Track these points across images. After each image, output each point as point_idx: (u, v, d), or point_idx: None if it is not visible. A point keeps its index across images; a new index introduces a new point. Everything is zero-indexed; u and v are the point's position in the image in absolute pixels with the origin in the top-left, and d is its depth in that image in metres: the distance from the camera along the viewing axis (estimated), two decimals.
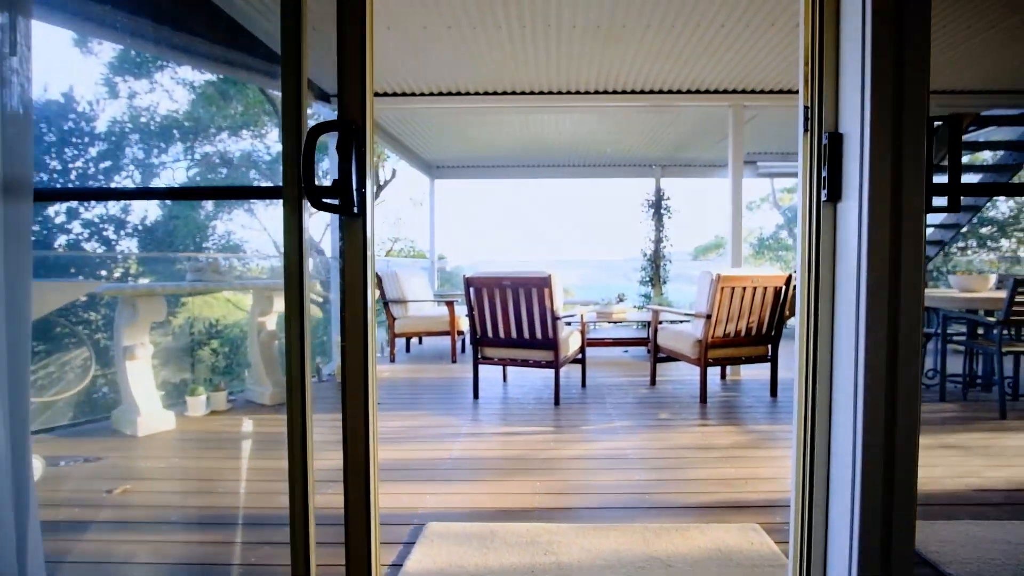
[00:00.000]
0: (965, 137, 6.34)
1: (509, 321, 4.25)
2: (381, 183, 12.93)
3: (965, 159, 9.16)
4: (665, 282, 9.28)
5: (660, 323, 4.85)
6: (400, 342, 7.16)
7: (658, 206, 9.17)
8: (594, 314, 6.25)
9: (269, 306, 4.52)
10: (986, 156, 10.49)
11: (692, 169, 9.21)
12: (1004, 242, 12.19)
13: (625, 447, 3.21)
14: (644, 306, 9.00)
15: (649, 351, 6.06)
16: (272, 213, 15.31)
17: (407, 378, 5.34)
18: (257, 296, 4.58)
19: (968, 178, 7.65)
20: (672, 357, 4.60)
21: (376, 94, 5.29)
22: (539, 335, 4.20)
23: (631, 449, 3.17)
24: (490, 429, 3.62)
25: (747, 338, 4.30)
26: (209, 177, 12.34)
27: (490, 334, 4.37)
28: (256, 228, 13.08)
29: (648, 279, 9.39)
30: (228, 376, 7.42)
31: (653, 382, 4.82)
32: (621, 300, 6.31)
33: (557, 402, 4.21)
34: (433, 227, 9.41)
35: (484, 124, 6.73)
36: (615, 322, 5.92)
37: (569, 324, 4.75)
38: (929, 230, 7.66)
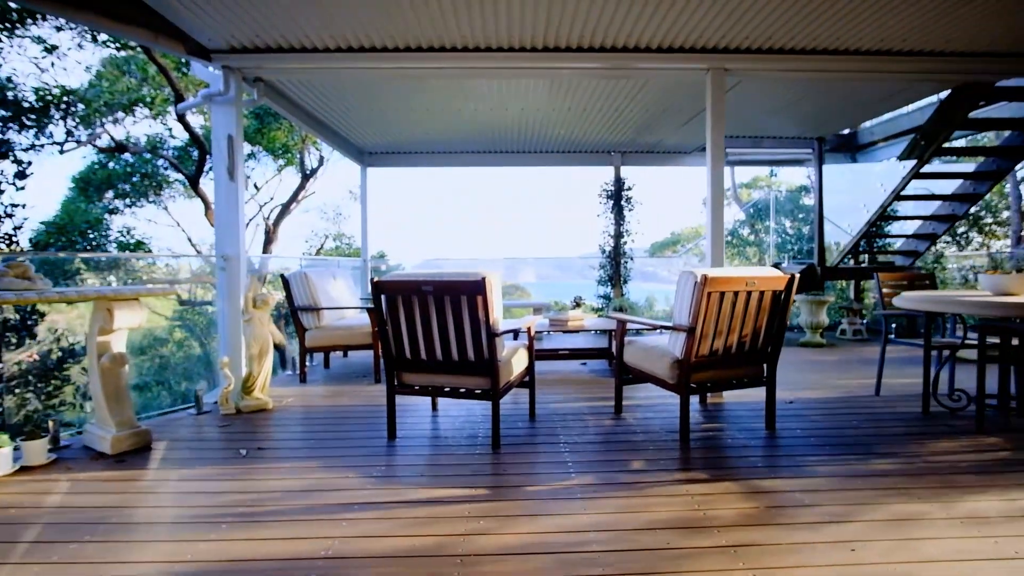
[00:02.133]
0: (974, 114, 5.68)
1: (433, 338, 3.20)
2: (307, 171, 11.56)
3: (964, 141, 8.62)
4: (626, 281, 8.41)
5: (626, 333, 3.90)
6: (319, 357, 5.99)
7: (618, 197, 8.29)
8: (546, 321, 5.27)
9: (112, 321, 3.31)
10: (990, 136, 10.03)
11: (655, 156, 8.37)
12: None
13: (587, 526, 2.22)
14: (605, 310, 8.10)
15: (612, 368, 5.14)
16: (189, 207, 13.62)
17: (312, 407, 4.20)
18: (99, 307, 3.36)
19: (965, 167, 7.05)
20: (639, 375, 3.66)
21: (270, 49, 4.15)
22: (471, 356, 3.16)
23: (595, 531, 2.18)
24: (397, 495, 2.56)
25: (739, 355, 3.39)
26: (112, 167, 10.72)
27: (408, 355, 3.30)
28: (166, 223, 11.48)
29: (607, 278, 8.50)
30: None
31: (619, 409, 3.87)
32: (578, 305, 5.35)
33: (496, 445, 3.19)
34: (365, 222, 8.25)
35: (418, 100, 5.64)
36: (571, 331, 4.96)
37: (516, 337, 3.73)
38: (916, 223, 7.05)
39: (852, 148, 8.14)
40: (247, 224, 12.00)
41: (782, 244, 13.10)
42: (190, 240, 11.64)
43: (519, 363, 3.53)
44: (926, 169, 5.88)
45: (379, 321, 3.26)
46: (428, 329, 3.17)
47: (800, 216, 12.84)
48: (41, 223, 9.67)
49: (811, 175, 10.45)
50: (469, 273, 3.04)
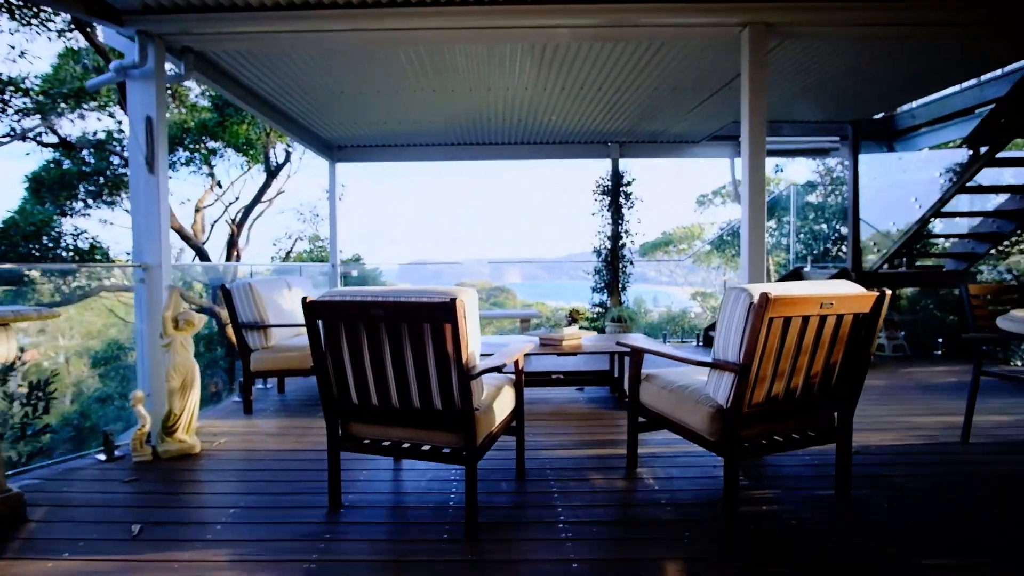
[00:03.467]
0: None
1: (387, 379, 2.30)
2: (272, 167, 10.50)
3: None
4: (625, 288, 7.55)
5: (641, 362, 3.02)
6: (273, 382, 5.05)
7: (616, 192, 7.43)
8: (535, 340, 4.39)
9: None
10: None
11: (657, 147, 7.51)
12: None
13: None
14: (601, 320, 7.21)
15: (615, 396, 4.24)
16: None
17: (248, 451, 3.31)
18: None
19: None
20: (661, 421, 2.79)
21: (195, 7, 3.27)
22: (438, 404, 2.27)
23: None
24: None
25: (804, 401, 2.54)
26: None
27: (355, 399, 2.40)
28: (124, 225, 10.38)
29: (603, 284, 7.64)
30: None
31: (633, 463, 2.99)
32: (573, 320, 4.47)
33: (471, 532, 2.29)
34: (334, 222, 7.33)
35: (385, 80, 4.72)
36: (567, 353, 4.08)
37: (501, 369, 2.84)
38: (969, 220, 6.20)
39: (889, 135, 7.20)
40: (212, 226, 11.00)
41: (789, 246, 12.33)
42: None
43: (503, 407, 2.64)
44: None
45: (315, 354, 2.35)
46: (380, 366, 2.28)
47: (809, 216, 12.09)
48: None
49: (841, 164, 9.57)
50: (434, 291, 2.15)
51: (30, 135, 8.99)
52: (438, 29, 3.55)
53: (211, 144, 9.77)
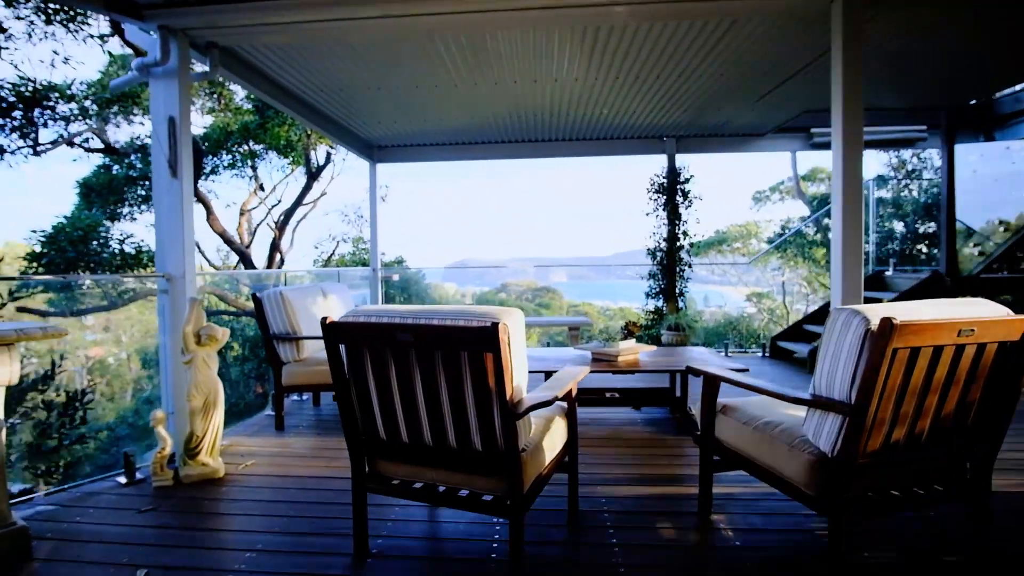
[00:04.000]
0: None
1: (418, 413, 1.95)
2: (313, 169, 10.41)
3: None
4: (683, 294, 7.01)
5: (716, 391, 2.57)
6: (308, 395, 4.83)
7: (672, 190, 6.90)
8: (588, 355, 3.97)
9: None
10: None
11: (718, 140, 6.92)
12: None
13: None
14: (661, 333, 6.67)
15: (675, 418, 3.74)
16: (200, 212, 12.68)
17: (276, 475, 3.05)
18: None
19: None
20: (739, 461, 2.34)
21: None
22: (478, 445, 1.90)
23: None
24: None
25: (930, 448, 2.04)
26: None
27: (383, 434, 2.07)
28: None
29: (657, 290, 7.12)
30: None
31: (706, 508, 2.54)
32: (630, 334, 4.02)
33: None
34: (375, 224, 7.10)
35: (425, 75, 4.41)
36: (623, 371, 3.65)
37: (550, 402, 2.44)
38: None
39: (987, 122, 6.32)
40: (255, 229, 11.00)
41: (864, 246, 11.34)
42: (199, 248, 10.64)
43: (554, 443, 2.25)
44: None
45: (337, 382, 2.03)
46: (410, 399, 1.94)
47: (881, 213, 11.13)
48: (32, 231, 8.77)
49: (916, 157, 8.69)
50: (473, 312, 1.78)
51: (77, 141, 9.12)
52: (475, 12, 3.19)
53: (253, 147, 9.71)
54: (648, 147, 6.97)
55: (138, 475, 3.04)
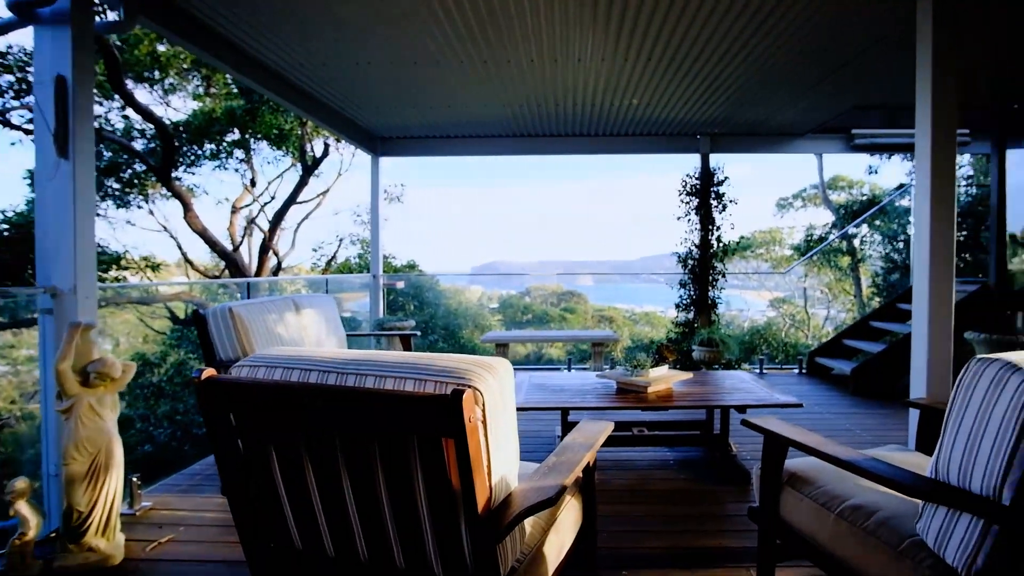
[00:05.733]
0: None
1: (349, 520, 1.33)
2: (308, 162, 9.62)
3: None
4: (717, 304, 6.33)
5: (784, 450, 1.94)
6: None
7: (706, 192, 6.23)
8: (613, 384, 3.37)
9: None
10: None
11: (754, 140, 6.27)
12: None
13: None
14: (693, 348, 5.98)
15: (711, 457, 3.01)
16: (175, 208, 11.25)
17: (196, 560, 2.38)
18: None
19: None
20: (812, 553, 1.71)
21: None
22: (437, 569, 1.29)
23: None
24: None
25: None
26: None
27: (297, 542, 1.45)
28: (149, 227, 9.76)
29: (688, 300, 6.45)
30: None
31: None
32: (662, 359, 3.40)
33: None
34: (377, 226, 6.58)
35: (423, 44, 3.83)
36: (654, 407, 3.04)
37: (554, 500, 1.82)
38: None
39: None
40: (245, 228, 10.29)
41: (887, 256, 10.61)
42: (179, 245, 10.01)
43: (563, 540, 1.62)
44: None
45: (222, 465, 1.43)
46: (336, 498, 1.31)
47: (901, 222, 10.39)
48: None
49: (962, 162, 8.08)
50: (433, 367, 1.20)
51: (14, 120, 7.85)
52: None
53: (240, 136, 8.78)
54: (681, 145, 6.33)
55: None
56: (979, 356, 1.34)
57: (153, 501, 2.86)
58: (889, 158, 11.60)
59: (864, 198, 12.71)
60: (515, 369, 6.28)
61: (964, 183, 8.28)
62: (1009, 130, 5.55)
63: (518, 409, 2.95)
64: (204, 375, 1.29)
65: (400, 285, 7.03)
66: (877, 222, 10.61)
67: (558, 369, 7.06)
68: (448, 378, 1.16)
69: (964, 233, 7.46)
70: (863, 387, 5.20)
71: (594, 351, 5.83)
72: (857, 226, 11.17)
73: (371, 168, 6.39)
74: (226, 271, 9.57)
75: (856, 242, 11.76)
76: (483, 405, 1.14)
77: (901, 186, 11.32)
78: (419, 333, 4.90)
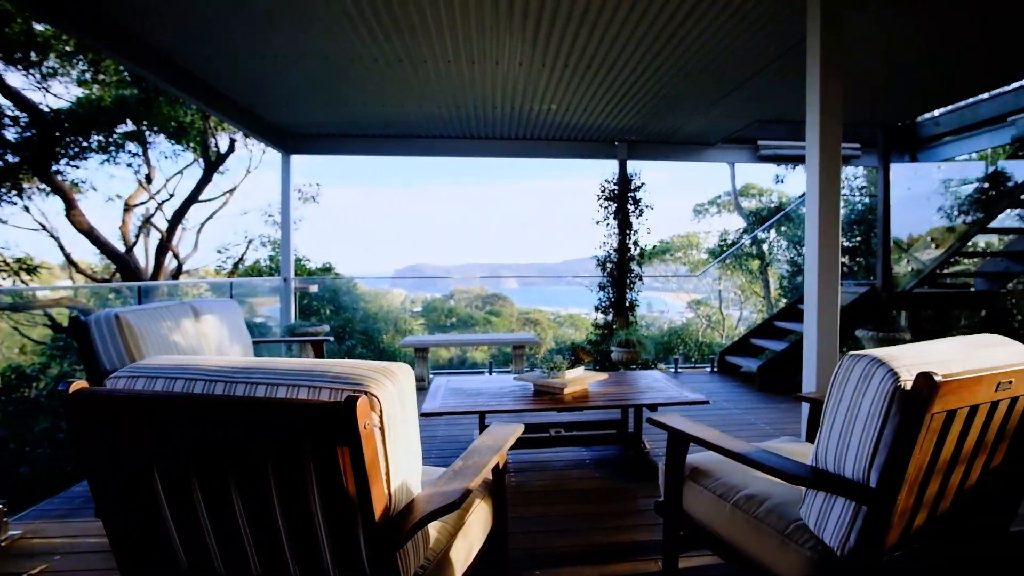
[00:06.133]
0: None
1: (241, 536, 1.25)
2: (212, 157, 8.99)
3: None
4: (634, 308, 6.56)
5: (684, 449, 2.02)
6: None
7: (624, 198, 6.45)
8: (530, 386, 3.40)
9: None
10: None
11: (668, 148, 6.57)
12: None
13: None
14: (611, 349, 6.17)
15: (628, 455, 3.11)
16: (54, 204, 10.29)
17: None
18: None
19: None
20: (712, 542, 1.81)
21: None
22: None
23: None
24: None
25: (947, 533, 1.56)
26: None
27: (184, 563, 1.35)
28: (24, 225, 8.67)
29: (608, 302, 6.65)
30: None
31: None
32: (578, 360, 3.47)
33: None
34: (288, 227, 6.28)
35: (330, 38, 3.69)
36: (569, 407, 3.09)
37: (458, 503, 1.81)
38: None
39: (912, 144, 6.41)
40: (140, 228, 9.42)
41: (791, 260, 11.53)
42: (60, 245, 9.00)
43: (471, 543, 1.61)
44: None
45: (95, 486, 1.30)
46: (226, 514, 1.23)
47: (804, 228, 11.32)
48: None
49: (847, 173, 8.85)
50: (329, 373, 1.15)
51: None
52: None
53: (133, 128, 8.03)
54: (599, 150, 6.51)
55: None
56: (850, 353, 1.46)
57: (24, 529, 2.57)
58: (794, 168, 12.53)
59: (773, 205, 13.63)
60: (436, 374, 6.23)
61: (859, 193, 9.05)
62: (893, 145, 6.21)
63: (434, 414, 2.93)
64: (72, 388, 1.16)
65: (314, 289, 6.74)
66: (783, 228, 11.40)
67: (481, 373, 7.05)
68: (344, 385, 1.11)
69: (859, 239, 8.14)
70: (768, 383, 5.53)
71: (515, 354, 5.86)
72: (765, 231, 11.93)
73: (281, 166, 6.10)
74: (117, 274, 8.72)
75: (765, 247, 12.55)
76: (380, 411, 1.10)
77: (803, 195, 12.30)
78: (332, 339, 4.71)
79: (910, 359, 1.38)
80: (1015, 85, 4.96)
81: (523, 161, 6.56)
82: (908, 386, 1.30)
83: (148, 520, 1.27)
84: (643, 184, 6.48)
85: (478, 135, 6.17)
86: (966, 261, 6.62)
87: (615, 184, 6.48)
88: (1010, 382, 1.41)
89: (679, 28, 3.44)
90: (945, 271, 6.36)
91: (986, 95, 5.30)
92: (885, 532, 1.36)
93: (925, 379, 1.25)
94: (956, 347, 1.55)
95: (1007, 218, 5.79)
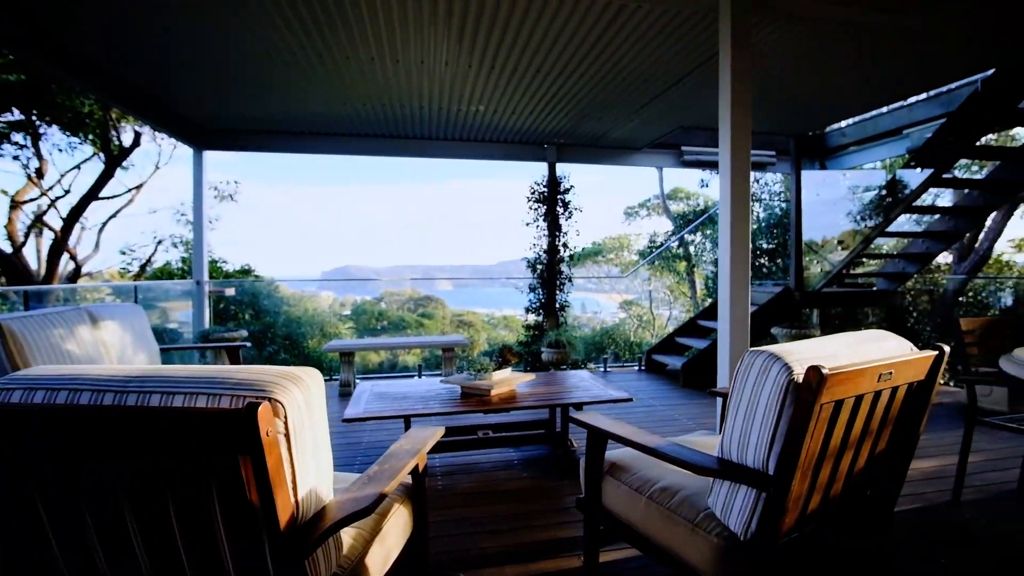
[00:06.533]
0: None
1: (134, 550, 1.16)
2: (114, 151, 8.35)
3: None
4: (564, 308, 6.68)
5: (602, 444, 2.08)
6: None
7: (553, 200, 6.56)
8: (457, 388, 3.39)
9: None
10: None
11: (596, 151, 6.72)
12: None
13: None
14: (541, 350, 6.26)
15: (555, 454, 3.16)
16: None
17: None
18: None
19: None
20: (630, 535, 1.87)
21: None
22: None
23: None
24: None
25: (841, 514, 1.69)
26: None
27: (64, 570, 1.25)
28: None
29: (538, 304, 6.73)
30: None
31: None
32: (505, 362, 3.49)
33: None
34: (200, 227, 5.94)
35: (246, 29, 3.53)
36: (496, 409, 3.10)
37: (371, 508, 1.78)
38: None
39: (821, 152, 6.93)
40: (30, 226, 8.62)
41: (715, 261, 12.16)
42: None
43: (388, 549, 1.57)
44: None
45: None
46: (117, 527, 1.15)
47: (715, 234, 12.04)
48: None
49: (757, 183, 9.40)
50: (231, 379, 1.09)
51: None
52: None
53: (21, 117, 7.34)
54: (529, 152, 6.58)
55: None
56: (751, 348, 1.55)
57: None
58: (716, 173, 13.20)
59: (699, 208, 14.28)
60: (361, 378, 6.07)
61: (778, 199, 9.61)
62: (804, 153, 6.67)
63: (357, 420, 2.85)
64: None
65: (230, 292, 6.38)
66: (708, 231, 11.95)
67: (410, 376, 6.95)
68: (246, 391, 1.06)
69: (776, 241, 8.64)
70: (691, 380, 5.75)
71: (445, 357, 5.82)
72: (691, 233, 12.45)
73: (193, 162, 5.75)
74: (2, 277, 7.91)
75: (691, 248, 13.09)
76: (285, 417, 1.06)
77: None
78: (250, 344, 4.49)
79: (804, 354, 1.49)
80: (911, 100, 5.45)
81: (456, 161, 6.53)
82: (800, 379, 1.39)
83: (30, 544, 1.16)
84: (572, 187, 6.62)
85: (407, 134, 6.08)
86: (870, 262, 7.19)
87: (544, 186, 6.58)
88: (890, 373, 1.55)
89: (600, 39, 3.55)
90: (851, 272, 6.87)
91: (885, 109, 5.77)
92: (782, 516, 1.45)
93: (814, 372, 1.34)
94: (845, 342, 1.68)
95: (905, 222, 6.32)
